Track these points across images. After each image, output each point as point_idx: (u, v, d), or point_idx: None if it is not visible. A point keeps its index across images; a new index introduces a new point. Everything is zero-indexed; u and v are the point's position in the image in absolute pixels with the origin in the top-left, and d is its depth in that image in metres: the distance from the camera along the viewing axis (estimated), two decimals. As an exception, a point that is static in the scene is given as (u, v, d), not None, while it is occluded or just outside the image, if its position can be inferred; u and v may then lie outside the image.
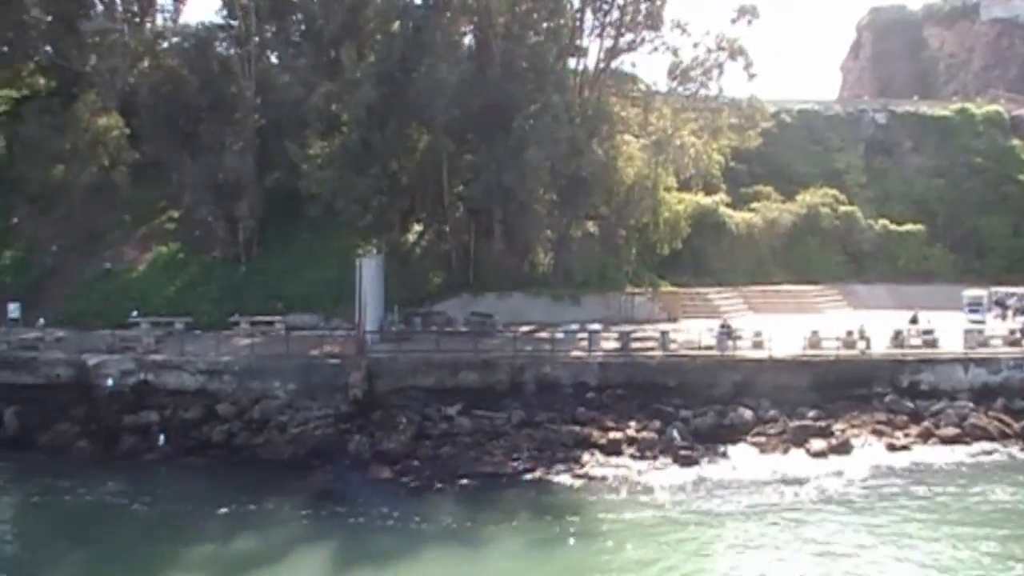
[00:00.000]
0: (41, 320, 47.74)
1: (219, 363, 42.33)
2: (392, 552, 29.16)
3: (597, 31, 52.55)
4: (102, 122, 53.14)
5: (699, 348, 44.94)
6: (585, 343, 44.53)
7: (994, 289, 56.53)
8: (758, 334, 45.81)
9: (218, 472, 36.68)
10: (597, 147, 50.17)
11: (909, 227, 64.61)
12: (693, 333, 46.49)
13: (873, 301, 60.01)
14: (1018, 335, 46.74)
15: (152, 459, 37.91)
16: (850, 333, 46.21)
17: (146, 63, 55.92)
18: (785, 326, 48.70)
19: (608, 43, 52.76)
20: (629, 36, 52.32)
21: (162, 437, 38.83)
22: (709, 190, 60.44)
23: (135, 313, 49.07)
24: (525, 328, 49.41)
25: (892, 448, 39.18)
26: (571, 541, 29.90)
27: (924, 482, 35.35)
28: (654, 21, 51.38)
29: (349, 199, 47.01)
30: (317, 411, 40.13)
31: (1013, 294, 55.60)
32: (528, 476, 35.71)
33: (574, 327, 46.19)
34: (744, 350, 45.04)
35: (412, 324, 48.50)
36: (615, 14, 51.80)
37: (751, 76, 51.73)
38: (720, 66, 51.87)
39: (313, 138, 49.36)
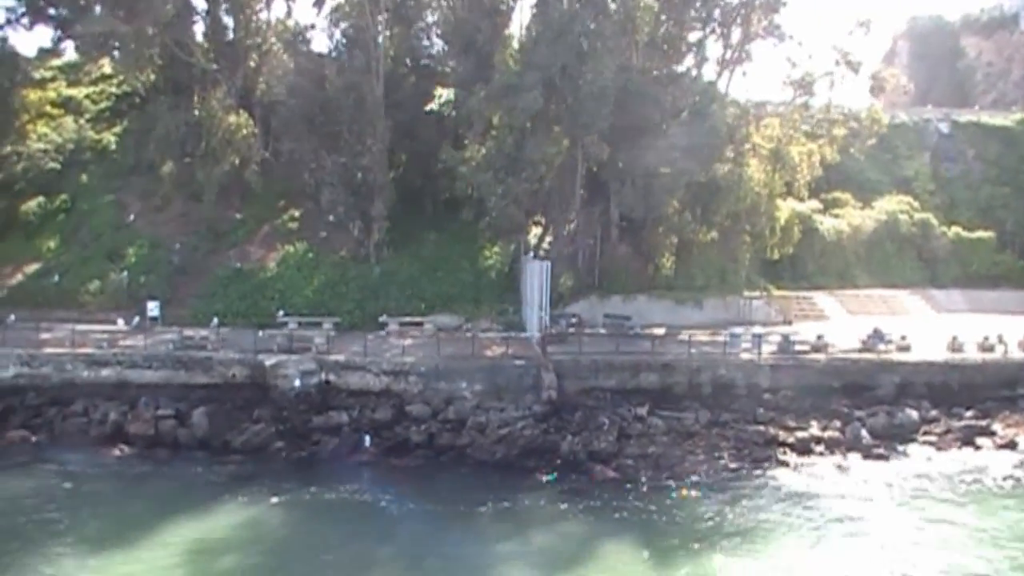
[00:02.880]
0: (215, 320, 47.75)
1: (404, 364, 42.81)
2: (672, 548, 30.38)
3: (720, 41, 54.07)
4: (232, 120, 53.15)
5: (858, 351, 46.91)
6: (748, 345, 46.10)
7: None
8: (904, 338, 47.92)
9: (437, 472, 37.29)
10: (730, 154, 51.98)
11: (980, 234, 67.49)
12: (838, 336, 48.45)
13: (951, 305, 62.64)
14: None
15: (360, 460, 38.53)
16: (987, 338, 48.51)
17: (260, 60, 56.28)
18: (891, 328, 50.68)
19: (729, 53, 54.39)
20: (749, 46, 54.02)
21: (367, 438, 39.31)
22: (798, 196, 62.40)
23: (281, 312, 49.34)
24: (658, 330, 50.92)
25: (1053, 443, 41.67)
26: (828, 532, 31.65)
27: None
28: (778, 33, 53.09)
29: (507, 202, 47.96)
30: (514, 412, 40.95)
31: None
32: (745, 473, 37.26)
33: (739, 330, 47.71)
34: (894, 353, 47.14)
35: (559, 325, 49.49)
36: (739, 25, 53.34)
37: (872, 89, 53.92)
38: (840, 77, 53.87)
39: (470, 141, 50.19)
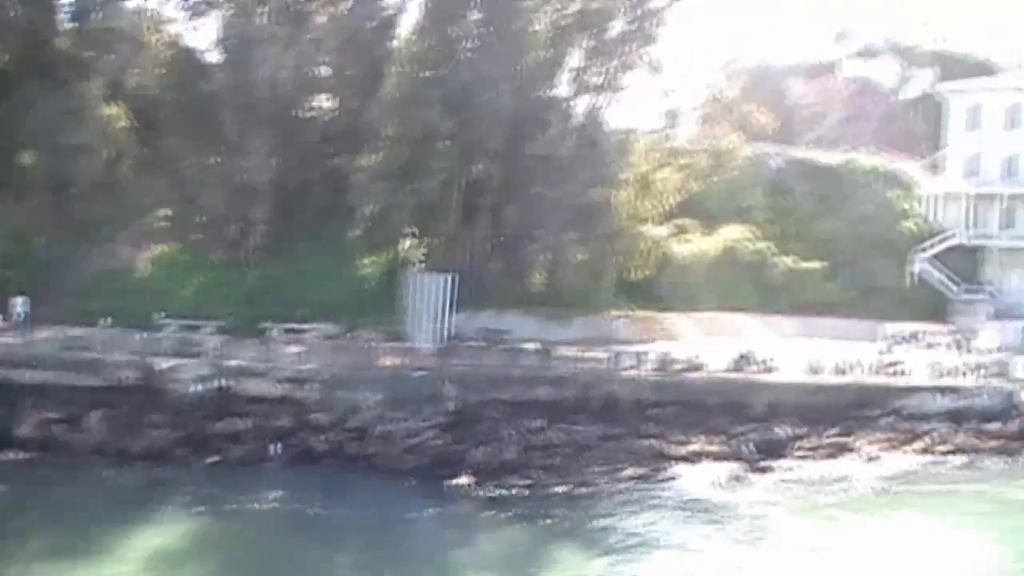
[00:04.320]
0: (106, 319, 46.82)
1: (304, 371, 43.45)
2: (601, 553, 32.63)
3: (598, 69, 56.81)
4: (107, 112, 52.09)
5: (729, 371, 50.52)
6: (631, 362, 48.95)
7: (909, 325, 65.82)
8: (767, 360, 51.90)
9: (352, 480, 38.45)
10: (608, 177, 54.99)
11: (812, 264, 73.03)
12: (710, 356, 51.92)
13: (787, 330, 67.40)
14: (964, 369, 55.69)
15: (271, 467, 39.08)
16: (843, 362, 53.11)
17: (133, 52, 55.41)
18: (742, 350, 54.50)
19: (606, 81, 57.26)
20: (625, 76, 57.13)
21: (276, 446, 39.86)
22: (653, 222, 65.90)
23: (163, 314, 48.79)
24: (531, 345, 53.08)
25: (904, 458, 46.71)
26: (738, 533, 34.93)
27: (949, 481, 44.02)
28: (653, 65, 56.50)
29: (400, 213, 49.37)
30: (419, 422, 42.22)
31: (924, 331, 65.30)
32: (646, 483, 40.32)
33: (620, 348, 50.48)
34: (760, 374, 51.03)
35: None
36: (617, 55, 56.26)
37: (740, 131, 58.36)
38: (709, 113, 57.90)
39: (364, 151, 51.12)
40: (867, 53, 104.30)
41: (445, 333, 47.15)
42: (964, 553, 33.48)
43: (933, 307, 73.07)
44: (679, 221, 71.35)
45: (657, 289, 64.99)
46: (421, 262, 56.26)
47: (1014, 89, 79.24)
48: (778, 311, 69.79)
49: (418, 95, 48.90)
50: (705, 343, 59.29)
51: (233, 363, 43.44)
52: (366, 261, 56.75)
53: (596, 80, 56.03)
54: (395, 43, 55.37)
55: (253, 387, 42.89)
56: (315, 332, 50.06)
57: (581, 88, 56.24)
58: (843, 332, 65.50)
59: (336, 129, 55.45)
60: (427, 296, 47.90)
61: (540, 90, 54.76)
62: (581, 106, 57.10)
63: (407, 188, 49.46)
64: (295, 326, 50.11)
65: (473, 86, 48.96)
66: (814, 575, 31.55)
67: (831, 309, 70.84)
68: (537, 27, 51.83)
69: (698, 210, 73.01)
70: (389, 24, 54.71)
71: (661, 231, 65.42)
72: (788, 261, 73.00)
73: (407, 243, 57.30)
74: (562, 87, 56.62)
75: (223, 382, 42.71)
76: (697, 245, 70.35)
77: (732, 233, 72.50)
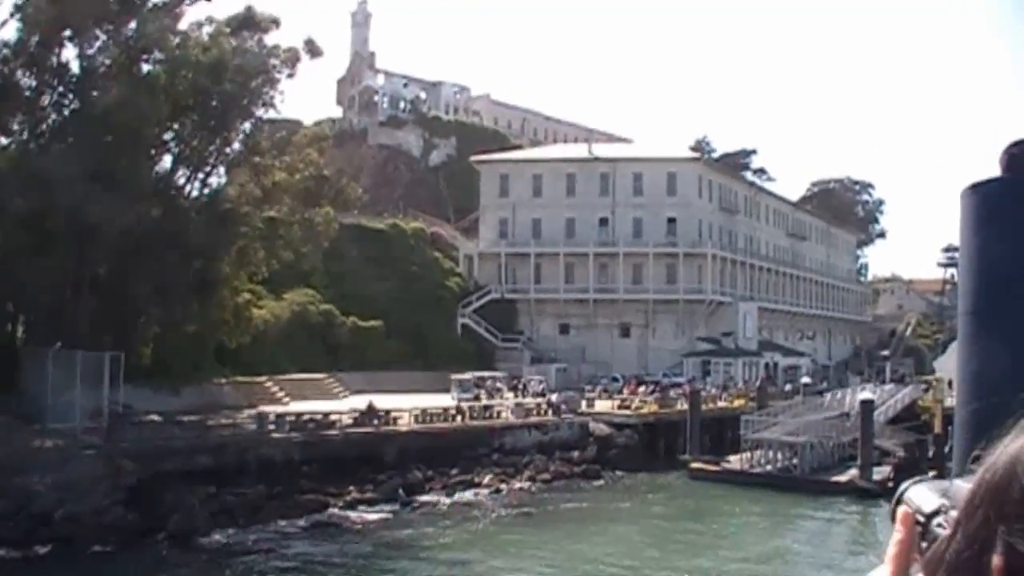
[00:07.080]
0: None
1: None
2: None
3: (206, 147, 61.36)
4: None
5: (358, 426, 57.38)
6: (273, 427, 54.28)
7: (474, 374, 76.32)
8: (388, 412, 59.44)
9: (52, 566, 40.32)
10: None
11: (371, 323, 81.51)
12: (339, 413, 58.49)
13: (357, 385, 75.47)
14: (544, 407, 67.06)
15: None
16: (446, 409, 62.06)
17: None
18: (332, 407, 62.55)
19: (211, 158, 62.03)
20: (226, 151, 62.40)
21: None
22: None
23: None
24: (155, 417, 56.46)
25: (518, 487, 57.75)
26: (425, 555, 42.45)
27: (553, 502, 54.74)
28: (251, 142, 62.28)
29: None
30: (101, 500, 44.57)
31: (488, 377, 76.22)
32: (324, 531, 46.76)
33: (267, 411, 55.43)
34: (382, 427, 58.48)
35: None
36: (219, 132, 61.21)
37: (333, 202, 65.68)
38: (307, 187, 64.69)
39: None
40: (393, 123, 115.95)
41: (105, 411, 49.31)
42: (584, 556, 43.38)
43: (481, 355, 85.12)
44: (251, 287, 77.14)
45: (243, 355, 70.22)
46: (23, 337, 57.30)
47: (537, 161, 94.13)
48: (345, 368, 77.79)
49: (40, 171, 50.46)
50: (302, 404, 65.62)
51: None
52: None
53: (205, 155, 60.62)
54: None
55: None
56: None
57: (194, 161, 60.41)
58: (410, 384, 74.81)
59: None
60: (80, 374, 49.71)
61: (159, 163, 58.40)
62: (197, 179, 61.40)
63: (19, 266, 50.86)
64: None
65: (96, 161, 51.45)
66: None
67: (393, 363, 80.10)
68: (162, 103, 55.46)
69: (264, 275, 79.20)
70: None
71: (246, 298, 70.85)
72: (351, 321, 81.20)
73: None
74: (177, 160, 60.49)
75: None
76: (269, 311, 76.37)
77: (298, 297, 79.35)
